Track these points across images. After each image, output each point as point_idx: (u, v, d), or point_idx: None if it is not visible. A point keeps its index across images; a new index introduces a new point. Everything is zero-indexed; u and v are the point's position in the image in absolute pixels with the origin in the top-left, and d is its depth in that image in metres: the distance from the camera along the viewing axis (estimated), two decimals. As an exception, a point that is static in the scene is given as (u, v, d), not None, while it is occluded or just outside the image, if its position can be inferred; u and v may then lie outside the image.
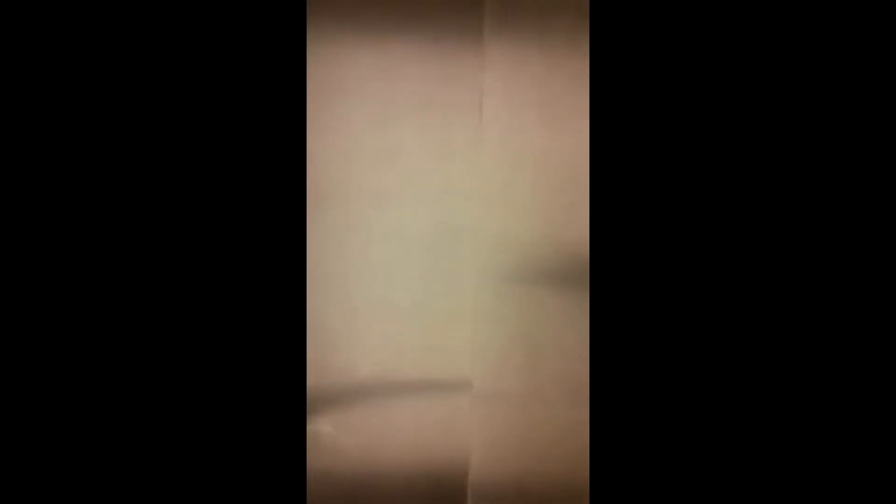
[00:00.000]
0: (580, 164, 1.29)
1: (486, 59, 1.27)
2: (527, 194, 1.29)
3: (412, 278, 1.30)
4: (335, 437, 1.31)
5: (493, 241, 1.30)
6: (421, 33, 1.26)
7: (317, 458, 1.31)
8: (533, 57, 1.28)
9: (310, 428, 1.30)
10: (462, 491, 1.34)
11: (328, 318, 1.29)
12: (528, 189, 1.29)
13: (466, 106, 1.28)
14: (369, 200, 1.28)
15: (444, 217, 1.29)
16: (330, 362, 1.30)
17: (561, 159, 1.29)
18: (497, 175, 1.29)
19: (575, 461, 1.34)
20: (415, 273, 1.30)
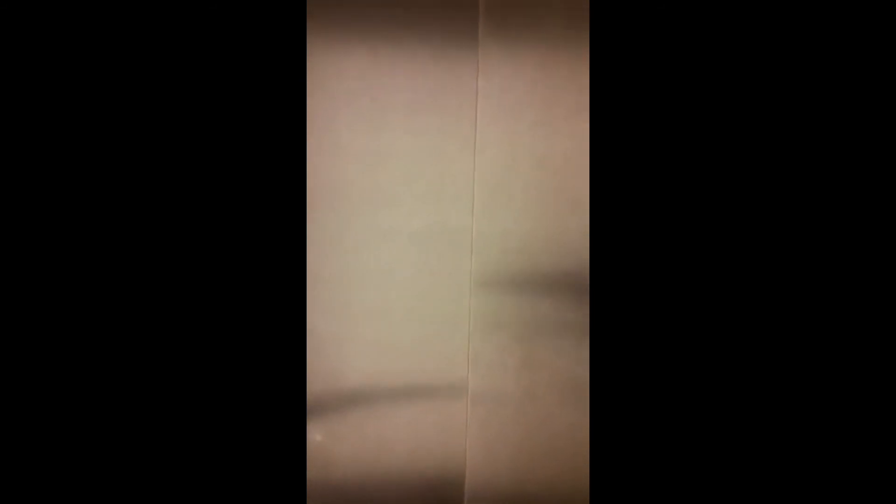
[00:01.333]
0: (576, 165, 1.29)
1: (481, 63, 1.27)
2: (523, 197, 1.29)
3: (407, 281, 1.29)
4: (326, 445, 1.30)
5: (488, 243, 1.30)
6: (417, 38, 1.26)
7: (310, 465, 1.30)
8: (528, 60, 1.28)
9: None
10: (459, 496, 1.34)
11: (323, 322, 1.28)
12: (523, 191, 1.29)
13: (462, 109, 1.27)
14: (365, 204, 1.27)
15: (440, 220, 1.29)
16: (324, 367, 1.29)
17: (557, 161, 1.29)
18: (493, 177, 1.29)
19: (572, 463, 1.34)
20: (410, 276, 1.29)
